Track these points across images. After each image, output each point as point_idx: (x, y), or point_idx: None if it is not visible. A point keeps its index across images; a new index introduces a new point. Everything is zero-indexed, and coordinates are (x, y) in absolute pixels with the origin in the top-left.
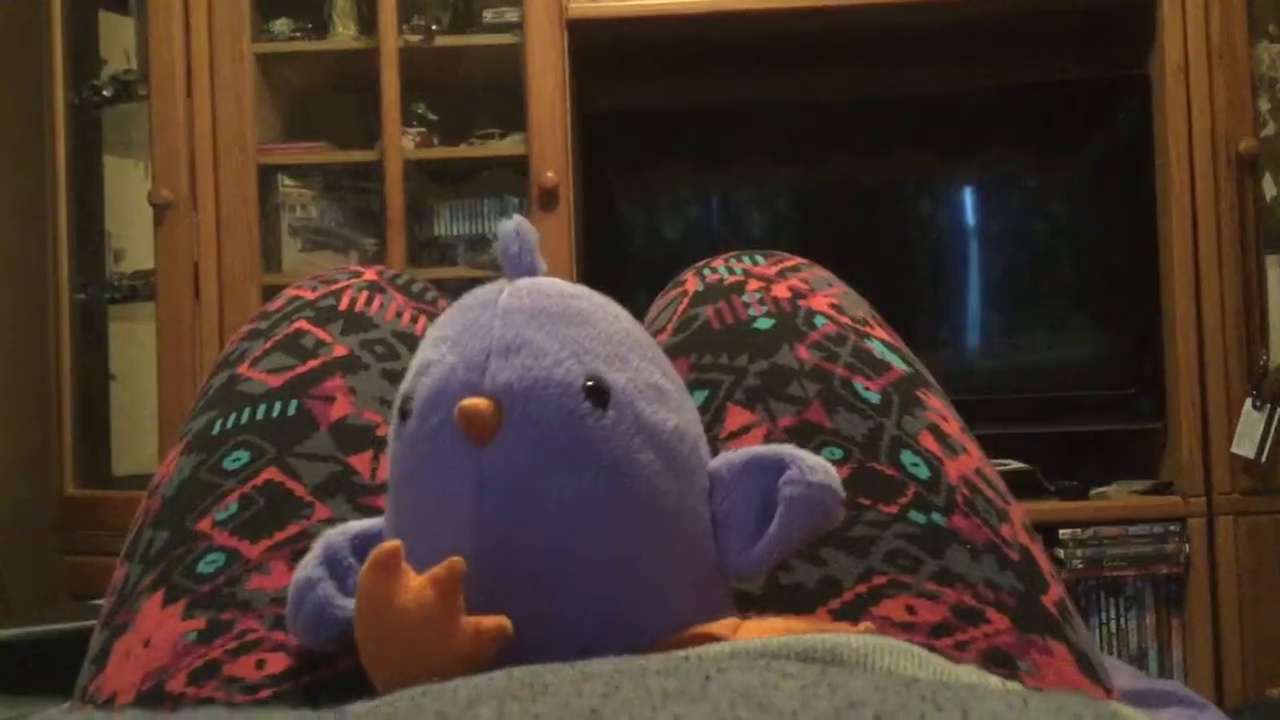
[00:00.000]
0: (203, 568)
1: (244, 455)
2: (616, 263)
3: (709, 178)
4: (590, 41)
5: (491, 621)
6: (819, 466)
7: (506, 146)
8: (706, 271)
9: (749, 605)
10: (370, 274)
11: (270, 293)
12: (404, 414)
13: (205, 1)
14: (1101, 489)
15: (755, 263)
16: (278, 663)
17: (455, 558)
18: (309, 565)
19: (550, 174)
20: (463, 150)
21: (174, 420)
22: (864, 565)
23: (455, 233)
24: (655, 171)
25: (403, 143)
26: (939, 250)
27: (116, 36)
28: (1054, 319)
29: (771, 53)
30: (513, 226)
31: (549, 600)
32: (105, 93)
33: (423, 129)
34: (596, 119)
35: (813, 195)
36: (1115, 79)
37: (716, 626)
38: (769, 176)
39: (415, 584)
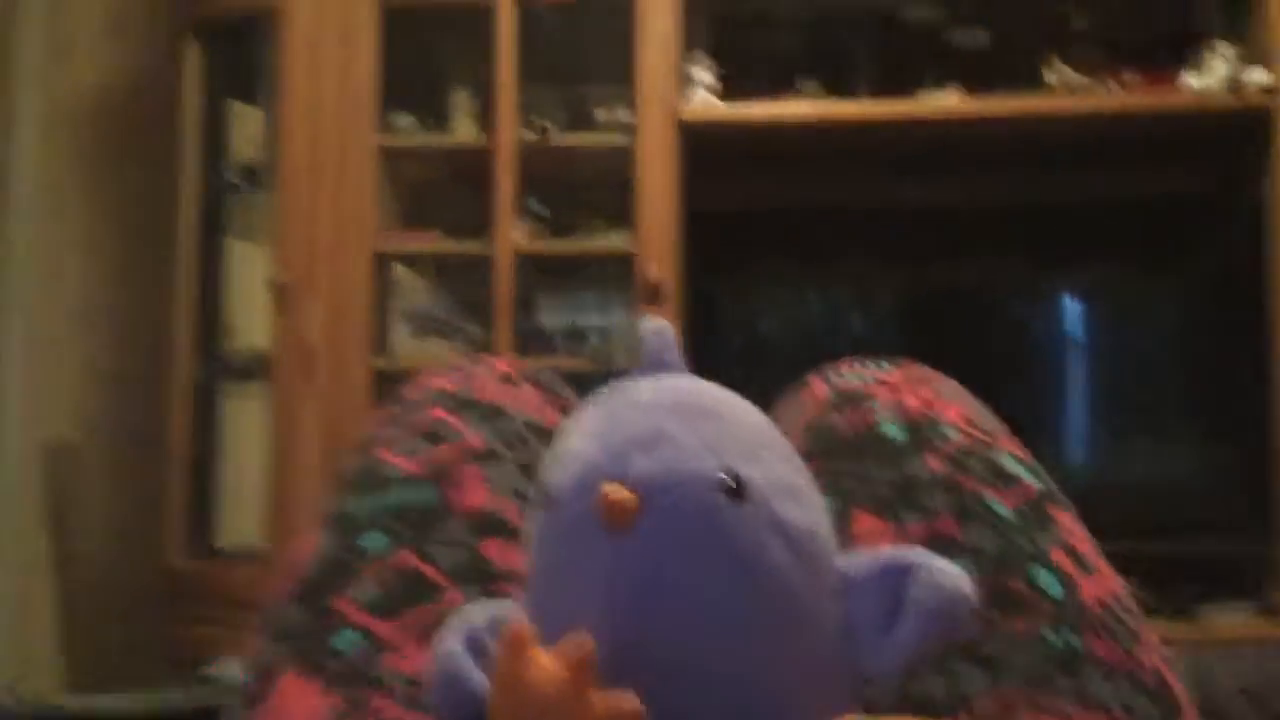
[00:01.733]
0: (339, 645)
1: (381, 538)
2: (717, 360)
3: (811, 278)
4: (700, 143)
5: (627, 702)
6: (951, 573)
7: (613, 242)
8: (834, 377)
9: (875, 714)
10: (504, 366)
11: (380, 376)
12: (545, 502)
13: (332, 95)
14: (1206, 609)
15: (885, 371)
16: None
17: (586, 637)
18: (448, 642)
19: (656, 270)
20: (570, 244)
21: (282, 496)
22: (995, 681)
23: (557, 324)
24: (758, 270)
25: (513, 235)
26: (1041, 360)
27: (246, 126)
28: (1160, 433)
29: (877, 158)
30: (654, 325)
31: (679, 690)
32: (233, 179)
33: (533, 222)
34: (702, 217)
35: (915, 299)
36: (1227, 192)
37: None
38: (871, 279)
39: (547, 662)
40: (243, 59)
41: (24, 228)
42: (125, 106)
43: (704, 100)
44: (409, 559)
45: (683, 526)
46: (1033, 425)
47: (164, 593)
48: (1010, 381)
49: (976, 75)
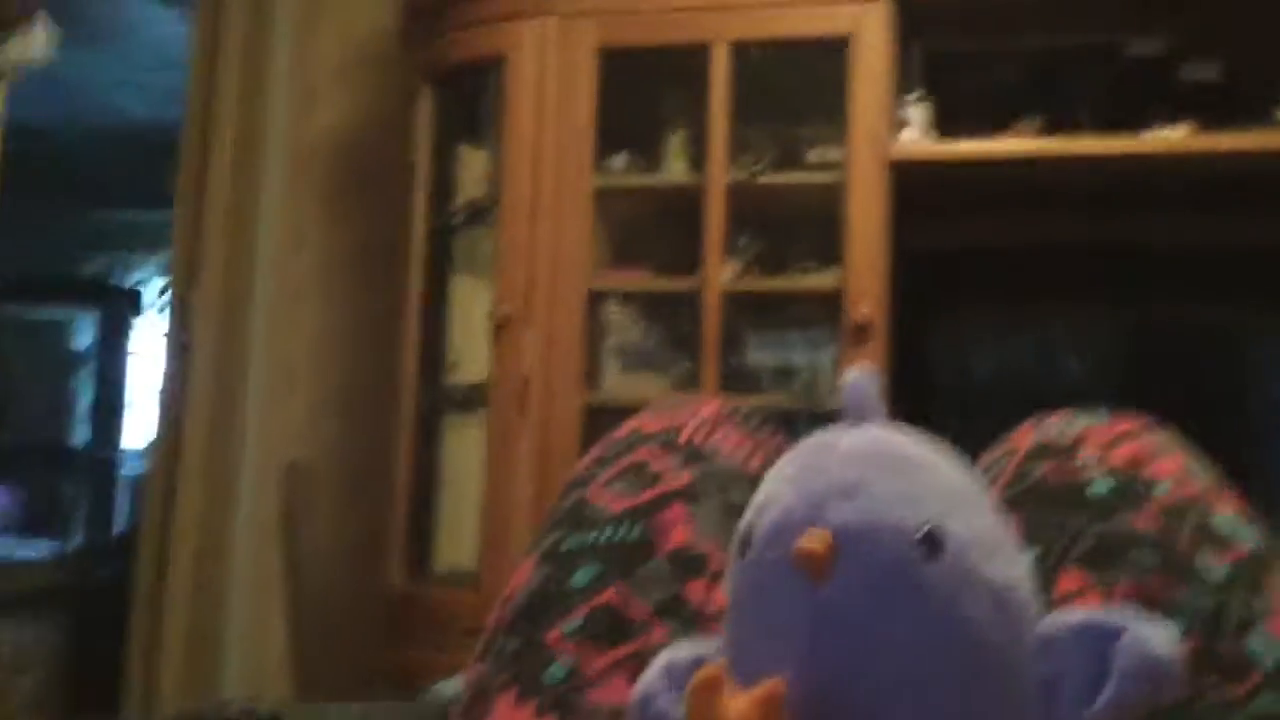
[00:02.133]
0: (550, 676)
1: (589, 573)
2: (925, 403)
3: (1024, 320)
4: (912, 180)
5: None
6: (1159, 636)
7: (821, 280)
8: (1044, 427)
9: None
10: (709, 409)
11: (590, 410)
12: (744, 547)
13: (554, 138)
14: None
15: (1094, 423)
16: None
17: (776, 680)
18: (652, 680)
19: (865, 309)
20: (779, 282)
21: (496, 523)
22: None
23: (765, 361)
24: (970, 311)
25: (722, 273)
26: (1273, 407)
27: (472, 167)
28: None
29: (1098, 197)
30: (856, 377)
31: None
32: (459, 218)
33: (742, 260)
34: (912, 255)
35: (1135, 343)
36: None
37: None
38: (1089, 322)
39: (739, 705)
40: (471, 104)
41: (267, 263)
42: (361, 149)
43: (916, 137)
44: (616, 596)
45: (878, 578)
46: (1258, 475)
47: (383, 613)
48: (1235, 429)
49: (1207, 110)
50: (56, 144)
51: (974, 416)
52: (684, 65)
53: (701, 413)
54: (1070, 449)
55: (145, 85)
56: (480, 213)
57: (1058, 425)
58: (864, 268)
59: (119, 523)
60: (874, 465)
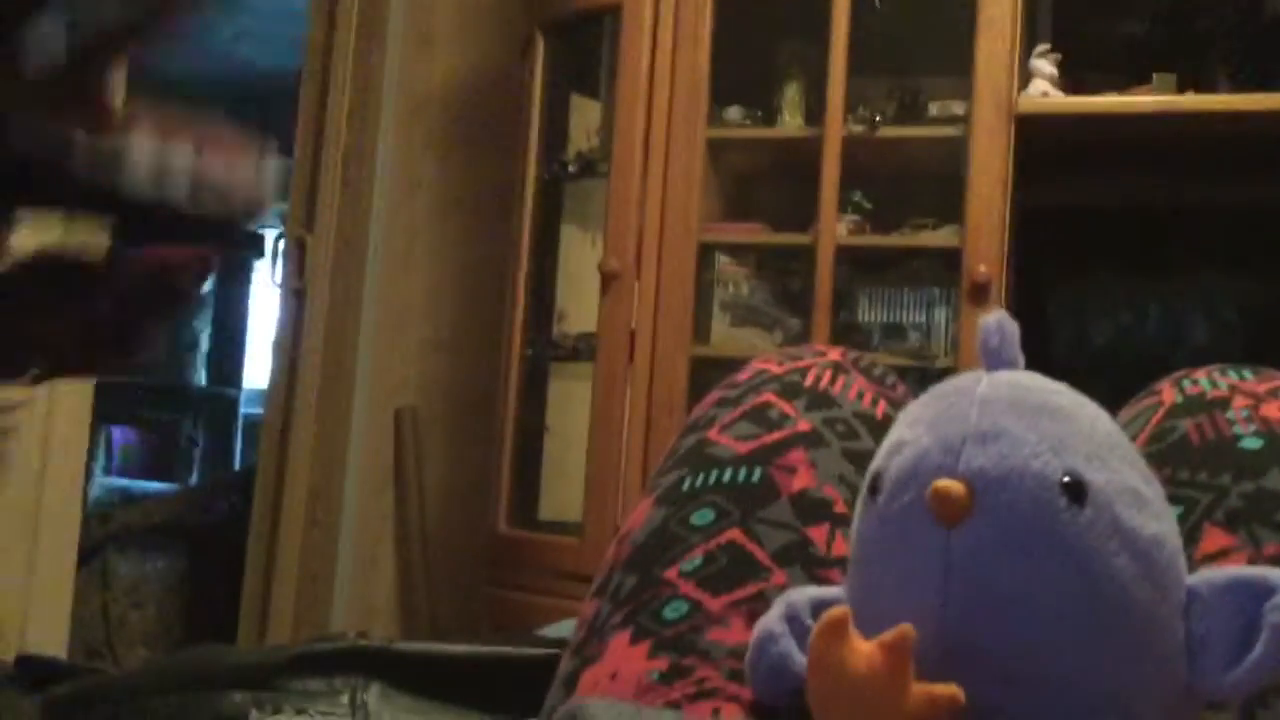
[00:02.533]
0: (667, 613)
1: (710, 514)
2: (1040, 365)
3: (1148, 283)
4: (1036, 136)
5: (944, 689)
6: None
7: (938, 238)
8: (1186, 383)
9: None
10: (835, 354)
11: (698, 363)
12: (874, 490)
13: (667, 89)
14: None
15: (1243, 378)
16: (732, 712)
17: (906, 625)
18: (772, 621)
19: (983, 268)
20: (894, 239)
21: (600, 472)
22: None
23: (874, 319)
24: (1093, 274)
25: (836, 228)
26: None
27: (584, 117)
28: None
29: (1224, 155)
30: (995, 320)
31: (1006, 690)
32: (570, 168)
33: (857, 216)
34: (1035, 214)
35: (1263, 310)
36: None
37: None
38: (1216, 287)
39: (865, 649)
40: (585, 53)
41: (381, 209)
42: (475, 98)
43: (1043, 91)
44: (737, 537)
45: (1017, 525)
46: None
47: (489, 557)
48: None
49: None
50: (180, 95)
51: (1091, 383)
52: (802, 14)
53: (826, 358)
54: (1218, 404)
55: (266, 36)
56: (591, 163)
57: (1203, 379)
58: (984, 226)
59: (237, 462)
60: (1014, 410)
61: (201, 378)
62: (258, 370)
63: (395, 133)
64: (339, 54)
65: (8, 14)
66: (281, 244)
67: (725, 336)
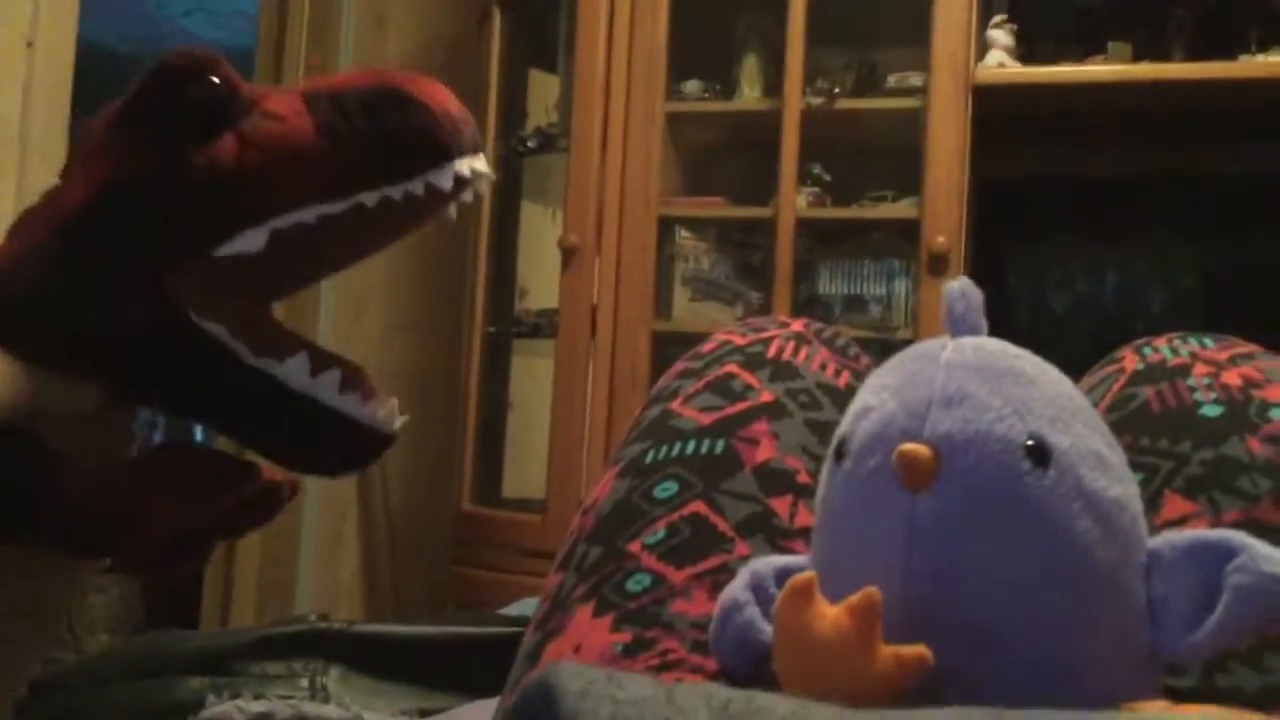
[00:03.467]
0: (631, 586)
1: (673, 486)
2: (999, 333)
3: (1105, 252)
4: (993, 107)
5: (912, 651)
6: (1274, 557)
7: (897, 209)
8: (1147, 350)
9: (1178, 701)
10: (797, 325)
11: (659, 338)
12: (840, 454)
13: (625, 63)
14: None
15: (1204, 345)
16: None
17: (872, 588)
18: (736, 589)
19: (942, 239)
20: (854, 211)
21: (563, 448)
22: None
23: (835, 291)
24: (1051, 243)
25: (796, 201)
26: None
27: (542, 92)
28: None
29: (1180, 123)
30: (959, 286)
31: (971, 655)
32: (529, 144)
33: (816, 188)
34: (992, 185)
35: (1220, 276)
36: None
37: (1144, 706)
38: (1172, 253)
39: (832, 613)
40: (541, 27)
41: None
42: (432, 73)
43: (1000, 62)
44: (700, 509)
45: (982, 488)
46: None
47: (453, 535)
48: None
49: None
50: (129, 68)
51: (1051, 351)
52: None
53: (788, 329)
54: (1179, 371)
55: (217, 11)
56: (550, 139)
57: (1164, 347)
58: (942, 197)
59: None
60: (979, 375)
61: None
62: None
63: None
64: (292, 33)
65: None
66: None
67: (686, 311)
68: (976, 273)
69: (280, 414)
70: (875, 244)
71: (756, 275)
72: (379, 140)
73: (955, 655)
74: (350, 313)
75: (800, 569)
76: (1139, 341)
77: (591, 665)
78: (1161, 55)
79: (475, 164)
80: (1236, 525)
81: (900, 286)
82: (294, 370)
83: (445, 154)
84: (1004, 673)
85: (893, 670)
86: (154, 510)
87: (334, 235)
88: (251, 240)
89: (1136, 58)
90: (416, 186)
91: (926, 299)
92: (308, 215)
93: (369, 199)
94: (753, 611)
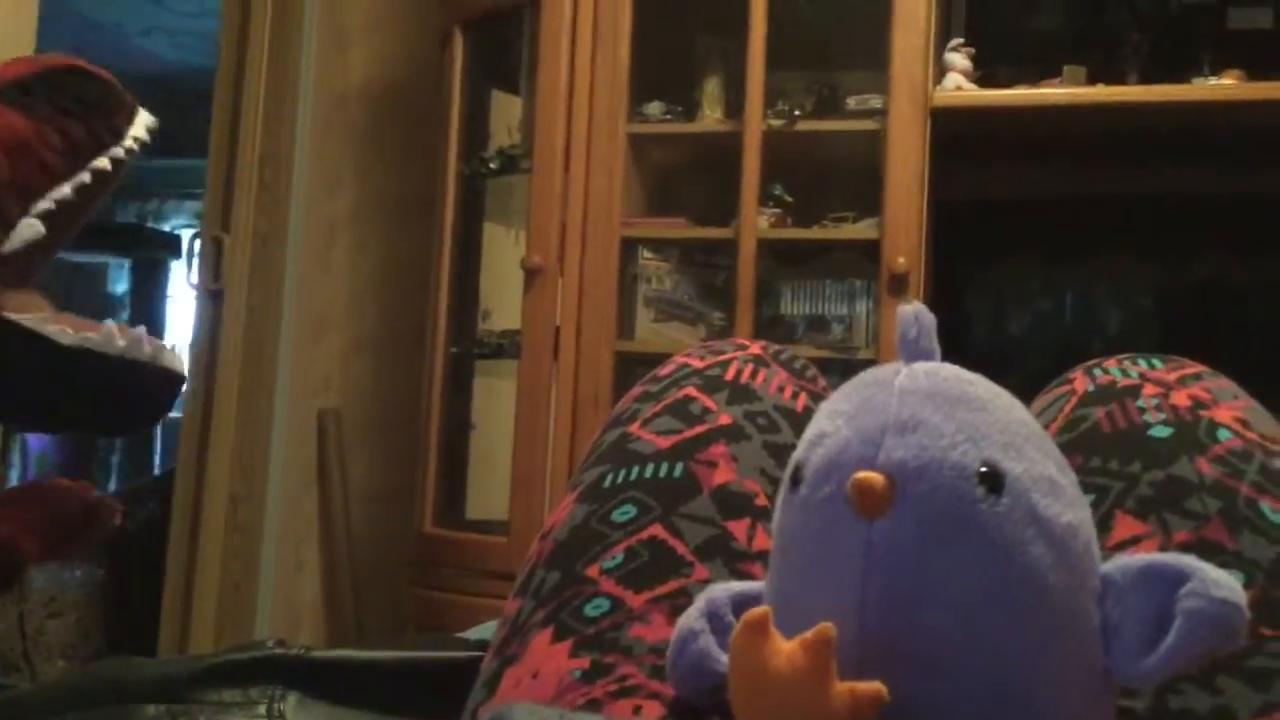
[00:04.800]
0: (589, 611)
1: (632, 509)
2: (958, 355)
3: (1063, 273)
4: (952, 130)
5: (868, 687)
6: (1224, 582)
7: (858, 230)
8: (1098, 371)
9: None
10: (755, 348)
11: (622, 359)
12: (795, 481)
13: (587, 84)
14: None
15: (1152, 366)
16: (653, 710)
17: (827, 624)
18: (692, 617)
19: (902, 260)
20: (815, 232)
21: (526, 469)
22: (1264, 699)
23: (797, 312)
24: (1007, 263)
25: (758, 222)
26: None
27: (505, 113)
28: None
29: (1138, 146)
30: (912, 311)
31: (927, 683)
32: (492, 165)
33: (778, 209)
34: (951, 206)
35: (1176, 297)
36: None
37: None
38: (1129, 275)
39: (786, 648)
40: (504, 49)
41: (300, 209)
42: (394, 94)
43: (957, 85)
44: (658, 533)
45: (936, 516)
46: None
47: (416, 558)
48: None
49: (1256, 58)
50: None
51: (1008, 372)
52: (721, 9)
53: (747, 352)
54: (1129, 392)
55: (177, 31)
56: (513, 159)
57: (1114, 368)
58: (902, 218)
59: (157, 467)
60: (933, 401)
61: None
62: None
63: (313, 131)
64: (253, 51)
65: None
66: (198, 245)
67: (649, 331)
68: (936, 293)
69: (101, 382)
70: (837, 264)
71: (719, 296)
72: (84, 111)
73: (910, 684)
74: (311, 333)
75: (756, 596)
76: (1089, 363)
77: (543, 699)
78: (1117, 78)
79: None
80: (1186, 545)
81: (862, 307)
82: (109, 337)
83: (134, 108)
84: (958, 700)
85: (848, 707)
86: (28, 548)
87: (87, 201)
88: (31, 228)
89: (1092, 81)
90: (132, 142)
91: (888, 319)
92: (65, 191)
93: (103, 163)
94: (707, 640)
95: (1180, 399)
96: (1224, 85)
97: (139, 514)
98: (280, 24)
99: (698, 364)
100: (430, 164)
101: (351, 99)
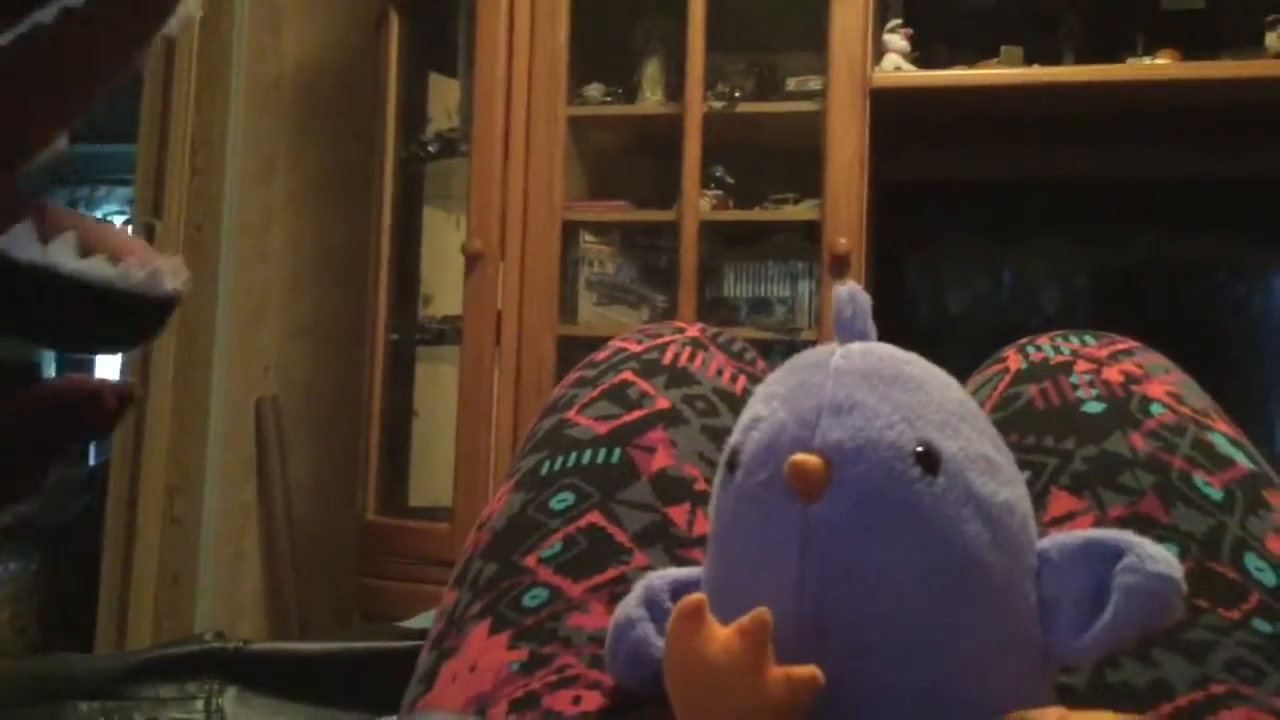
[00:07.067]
0: (527, 601)
1: (569, 497)
2: (901, 336)
3: (1001, 252)
4: (891, 111)
5: (803, 671)
6: (1160, 556)
7: (799, 212)
8: (1030, 349)
9: (1072, 701)
10: (693, 331)
11: (565, 343)
12: (731, 466)
13: (526, 67)
14: None
15: (1085, 343)
16: (593, 700)
17: (763, 608)
18: (630, 605)
19: (843, 241)
20: (756, 214)
21: (470, 455)
22: (1200, 671)
23: (740, 294)
24: (946, 243)
25: (700, 204)
26: (1251, 341)
27: (443, 97)
28: None
29: (1074, 127)
30: (847, 292)
31: (865, 664)
32: (430, 148)
33: (719, 192)
34: (891, 187)
35: (1112, 275)
36: None
37: (1038, 713)
38: (1066, 254)
39: (722, 634)
40: (441, 31)
41: (234, 194)
42: (329, 78)
43: (896, 66)
44: (597, 520)
45: (872, 497)
46: (1241, 409)
47: (358, 547)
48: (1216, 363)
49: (1190, 39)
50: None
51: (949, 350)
52: None
53: (684, 335)
54: (1061, 368)
55: None
56: (452, 143)
57: (1047, 345)
58: (842, 199)
59: (92, 458)
60: (868, 381)
61: (51, 369)
62: (110, 363)
63: (246, 115)
64: (183, 32)
65: None
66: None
67: (592, 315)
68: (877, 273)
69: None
70: (778, 246)
71: (662, 278)
72: None
73: (848, 666)
74: (249, 318)
75: (695, 582)
76: (1022, 340)
77: (480, 691)
78: (1052, 59)
79: None
80: (1121, 520)
81: (804, 288)
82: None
83: None
84: (897, 681)
85: (784, 692)
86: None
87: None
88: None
89: (1028, 61)
90: None
91: (828, 300)
92: (46, 14)
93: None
94: (646, 628)
95: (1112, 375)
96: (1158, 65)
97: (73, 506)
98: (211, 5)
99: (635, 348)
100: (367, 148)
101: (286, 82)
